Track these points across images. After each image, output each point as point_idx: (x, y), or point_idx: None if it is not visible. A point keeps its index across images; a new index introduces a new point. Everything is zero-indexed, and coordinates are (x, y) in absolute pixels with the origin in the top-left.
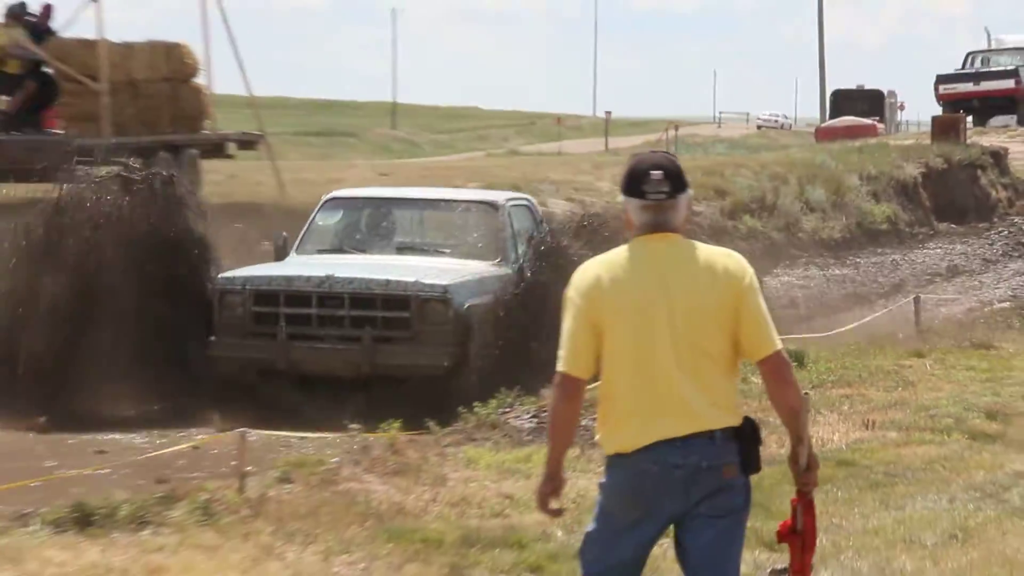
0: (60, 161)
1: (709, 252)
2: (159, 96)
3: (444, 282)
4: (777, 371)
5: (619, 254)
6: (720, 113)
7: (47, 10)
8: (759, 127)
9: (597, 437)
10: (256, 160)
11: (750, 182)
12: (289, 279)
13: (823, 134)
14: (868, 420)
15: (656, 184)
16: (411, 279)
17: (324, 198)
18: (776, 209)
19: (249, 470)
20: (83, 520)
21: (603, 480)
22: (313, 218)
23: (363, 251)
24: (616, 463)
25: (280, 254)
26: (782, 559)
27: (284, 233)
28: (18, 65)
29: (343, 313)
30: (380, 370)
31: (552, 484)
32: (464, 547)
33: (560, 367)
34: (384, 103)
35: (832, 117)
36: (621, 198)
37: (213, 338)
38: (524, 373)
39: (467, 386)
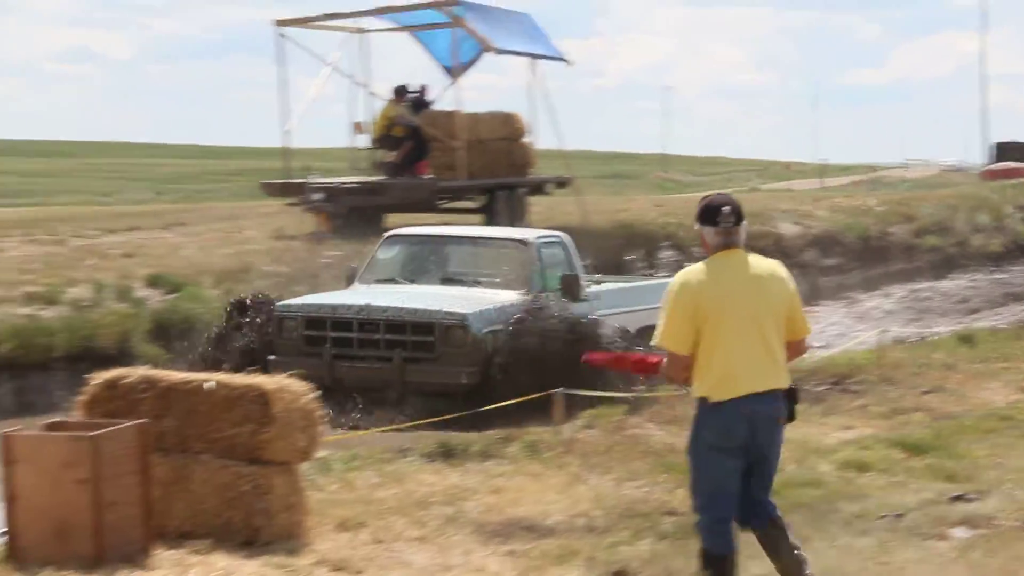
0: (429, 197)
1: (767, 262)
2: (498, 151)
3: (464, 310)
4: (802, 345)
5: (708, 264)
6: (906, 159)
7: (423, 90)
8: (944, 170)
9: (697, 391)
10: (567, 196)
11: (931, 210)
12: (334, 307)
13: (988, 175)
14: (1022, 386)
15: (726, 216)
16: (435, 308)
17: (384, 236)
18: (951, 230)
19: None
20: (446, 453)
21: (700, 426)
22: (375, 252)
23: (413, 281)
24: (716, 408)
25: (349, 282)
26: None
27: (353, 265)
28: (401, 130)
29: (379, 337)
30: (409, 386)
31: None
32: None
33: (669, 348)
34: (657, 154)
35: (995, 162)
36: (697, 226)
37: (272, 357)
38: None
39: (489, 399)
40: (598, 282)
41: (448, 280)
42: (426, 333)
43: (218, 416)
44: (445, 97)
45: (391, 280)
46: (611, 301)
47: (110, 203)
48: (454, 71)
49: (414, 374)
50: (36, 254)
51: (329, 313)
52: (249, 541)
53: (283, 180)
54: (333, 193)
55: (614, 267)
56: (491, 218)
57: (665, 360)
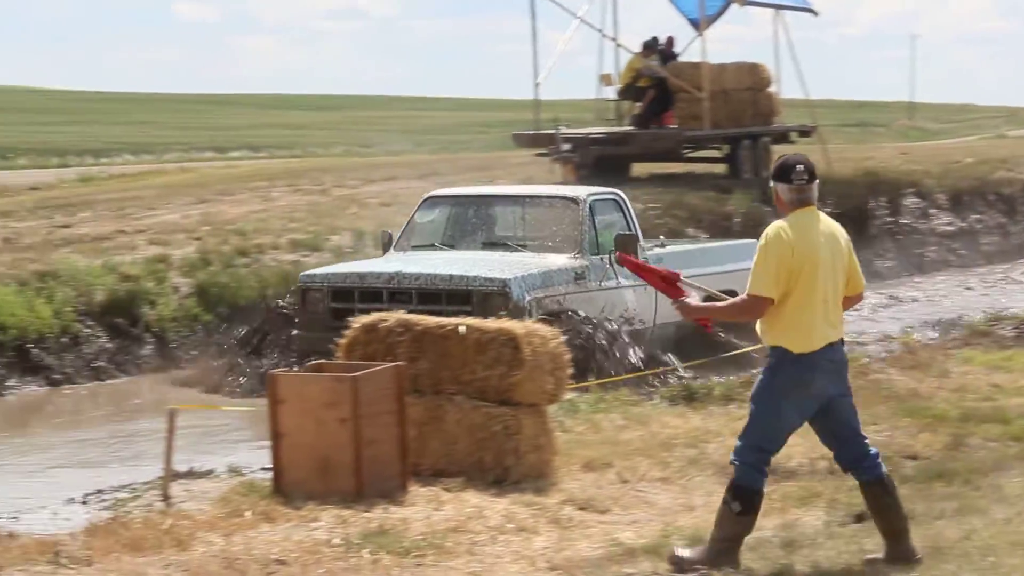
0: (674, 147)
1: (832, 220)
2: (743, 101)
3: (504, 276)
4: (859, 298)
5: (795, 220)
6: None
7: (670, 41)
8: None
9: (776, 340)
10: (810, 144)
11: None
12: (362, 276)
13: None
14: None
15: (799, 174)
16: (472, 274)
17: (423, 197)
18: None
19: None
20: (689, 397)
21: (779, 375)
22: (412, 216)
23: (452, 246)
24: (800, 359)
25: (386, 249)
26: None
27: (389, 231)
28: (647, 81)
29: (411, 307)
30: None
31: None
32: (963, 422)
33: (762, 292)
34: (903, 102)
35: None
36: (772, 184)
37: (295, 332)
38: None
39: None
40: (663, 244)
41: (491, 244)
42: (463, 302)
43: (470, 359)
44: (691, 49)
45: (429, 246)
46: (675, 264)
47: (371, 154)
48: (700, 23)
49: None
50: (301, 203)
51: (357, 282)
52: (499, 480)
53: (533, 131)
54: (580, 143)
55: (857, 214)
56: (734, 167)
57: (744, 304)
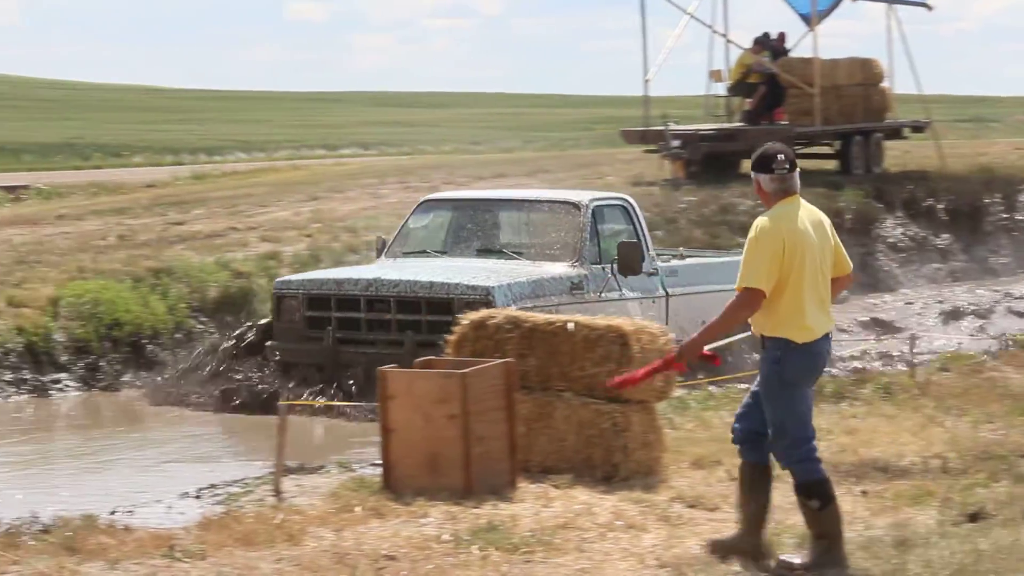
0: (785, 143)
1: (813, 207)
2: (855, 96)
3: (487, 284)
4: (849, 280)
5: (781, 210)
6: None
7: (781, 37)
8: None
9: (778, 332)
10: (923, 140)
11: None
12: (339, 282)
13: None
14: None
15: (780, 163)
16: (454, 281)
17: (420, 200)
18: None
19: (917, 362)
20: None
21: (784, 366)
22: (406, 221)
23: (445, 253)
24: (802, 349)
25: (379, 255)
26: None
27: (383, 236)
28: (757, 77)
29: (390, 317)
30: None
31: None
32: None
33: (755, 285)
34: (1020, 97)
35: None
36: (752, 175)
37: (270, 343)
38: None
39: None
40: (681, 256)
41: (485, 251)
42: (444, 311)
43: (579, 356)
44: (802, 45)
45: (421, 252)
46: (690, 277)
47: (480, 151)
48: (812, 19)
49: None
50: (411, 200)
51: (333, 289)
52: (607, 477)
53: (642, 128)
54: (689, 140)
55: (971, 211)
56: (846, 163)
57: (739, 302)
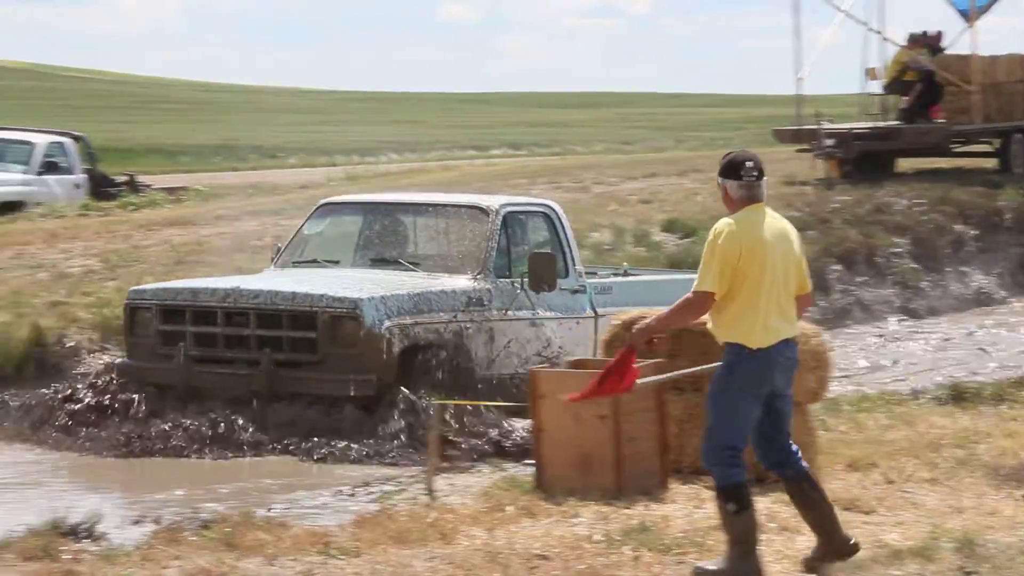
0: (942, 142)
1: (781, 218)
2: (1015, 94)
3: (357, 295)
4: (810, 298)
5: (743, 216)
6: None
7: (939, 35)
8: None
9: (731, 337)
10: None
11: None
12: (195, 292)
13: None
14: None
15: (749, 170)
16: (319, 292)
17: (317, 204)
18: None
19: None
20: (957, 397)
21: (735, 370)
22: (301, 227)
23: (338, 263)
24: (754, 355)
25: (273, 264)
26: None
27: (279, 244)
28: (914, 75)
29: (249, 332)
30: (282, 398)
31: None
32: None
33: (706, 288)
34: None
35: None
36: (720, 180)
37: (119, 360)
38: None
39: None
40: (625, 272)
41: (381, 261)
42: (307, 327)
43: None
44: (960, 42)
45: (312, 262)
46: (625, 296)
47: (631, 151)
48: (971, 15)
49: (288, 382)
50: (562, 200)
51: (188, 300)
52: (760, 479)
53: (795, 127)
54: (843, 139)
55: None
56: (1005, 161)
57: (688, 301)
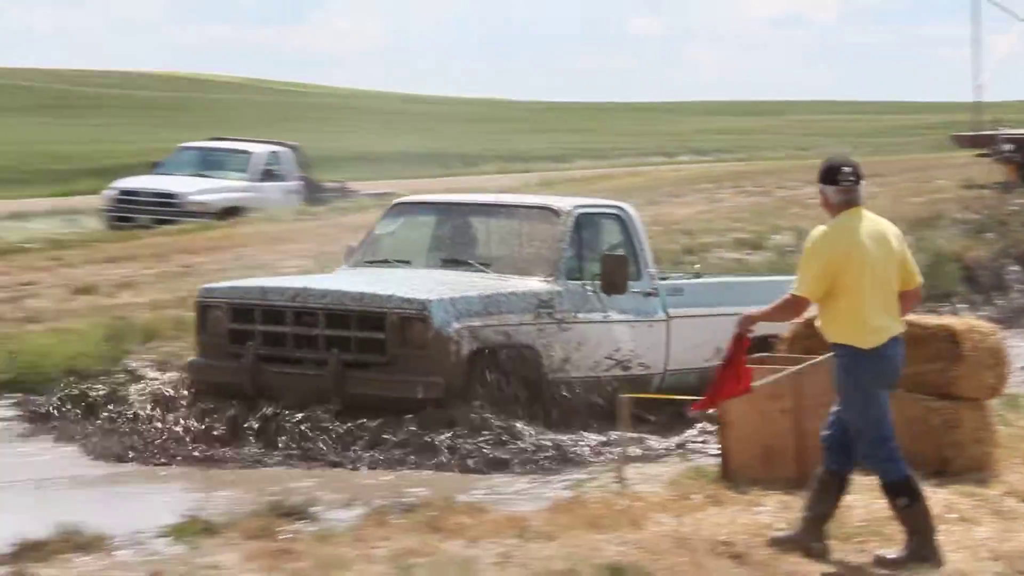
0: None
1: (882, 219)
2: None
3: (425, 296)
4: (919, 292)
5: (840, 221)
6: None
7: None
8: None
9: (843, 338)
10: None
11: None
12: (264, 291)
13: None
14: None
15: (846, 175)
16: (388, 293)
17: (391, 204)
18: None
19: None
20: None
21: (857, 371)
22: (374, 226)
23: (409, 263)
24: (869, 354)
25: (346, 263)
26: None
27: (352, 244)
28: None
29: (317, 332)
30: (351, 400)
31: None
32: None
33: (800, 292)
34: None
35: None
36: (819, 186)
37: (191, 359)
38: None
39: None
40: (697, 275)
41: (452, 262)
42: (376, 328)
43: (909, 354)
44: None
45: (383, 261)
46: (698, 298)
47: (812, 157)
48: None
49: (356, 384)
50: (745, 204)
51: (258, 299)
52: (938, 471)
53: (973, 132)
54: (1021, 144)
55: None
56: None
57: (785, 302)
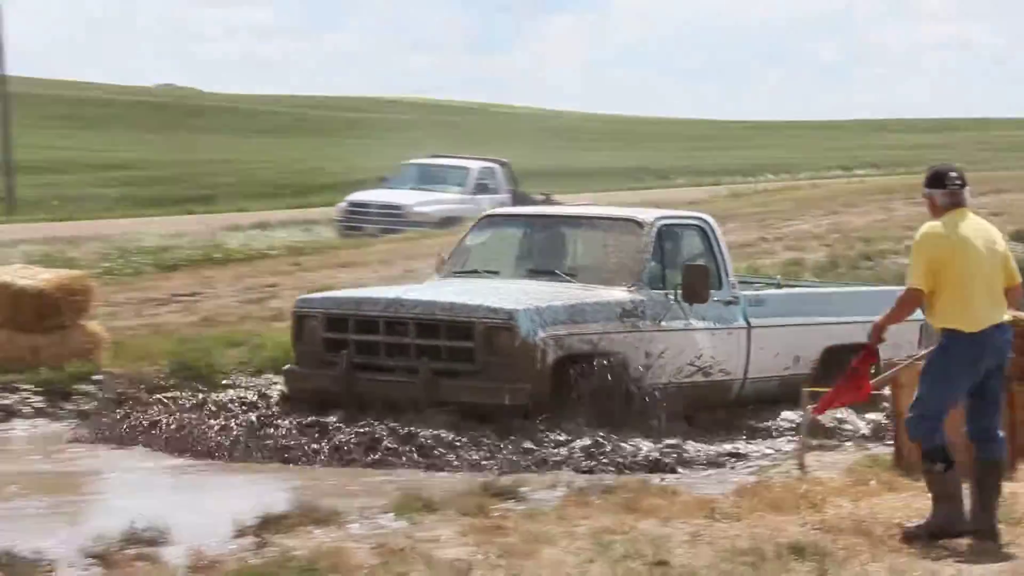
0: None
1: (985, 221)
2: None
3: (512, 306)
4: (1017, 291)
5: (946, 218)
6: None
7: None
8: None
9: (945, 323)
10: None
11: None
12: (359, 302)
13: None
14: None
15: (953, 179)
16: (475, 303)
17: (480, 216)
18: None
19: None
20: None
21: (949, 351)
22: (463, 238)
23: (497, 273)
24: (968, 338)
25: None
26: None
27: (443, 255)
28: None
29: (409, 341)
30: (442, 406)
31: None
32: None
33: (914, 284)
34: None
35: None
36: (926, 191)
37: (287, 367)
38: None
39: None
40: (779, 284)
41: (538, 272)
42: (465, 337)
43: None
44: None
45: (473, 272)
46: (779, 308)
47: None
48: None
49: (448, 391)
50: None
51: (352, 310)
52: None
53: None
54: None
55: None
56: None
57: (901, 298)
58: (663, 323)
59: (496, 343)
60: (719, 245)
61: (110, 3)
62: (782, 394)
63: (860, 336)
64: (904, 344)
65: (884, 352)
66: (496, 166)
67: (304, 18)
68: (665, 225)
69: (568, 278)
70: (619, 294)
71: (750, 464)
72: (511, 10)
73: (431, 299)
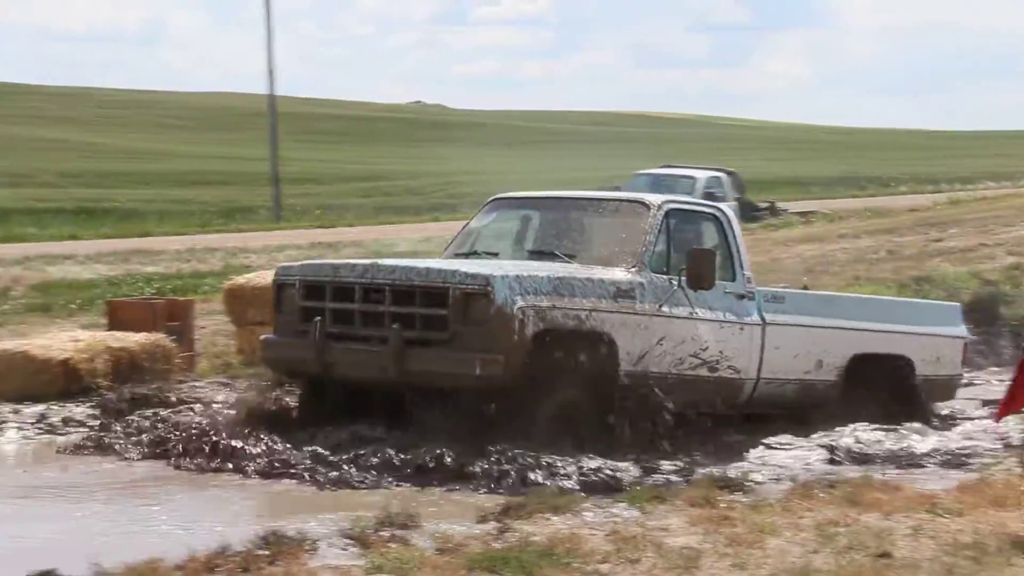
0: None
1: None
2: None
3: (488, 272)
4: None
5: None
6: None
7: None
8: None
9: None
10: None
11: None
12: (336, 268)
13: None
14: None
15: None
16: (451, 268)
17: (489, 199)
18: None
19: None
20: None
21: None
22: (469, 220)
23: (495, 255)
24: None
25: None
26: None
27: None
28: None
29: (383, 308)
30: (409, 377)
31: None
32: None
33: None
34: None
35: None
36: None
37: (264, 336)
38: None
39: (523, 403)
40: (805, 287)
41: (538, 253)
42: (439, 304)
43: None
44: None
45: (472, 253)
46: (799, 307)
47: None
48: None
49: (416, 360)
50: None
51: (329, 276)
52: None
53: None
54: None
55: None
56: None
57: None
58: (664, 308)
59: (470, 310)
60: (735, 237)
61: (373, 25)
62: (804, 400)
63: (891, 346)
64: (947, 361)
65: (925, 368)
66: (723, 175)
67: (550, 39)
68: (673, 209)
69: (567, 259)
70: (616, 274)
71: (969, 463)
72: (744, 28)
73: (408, 264)
